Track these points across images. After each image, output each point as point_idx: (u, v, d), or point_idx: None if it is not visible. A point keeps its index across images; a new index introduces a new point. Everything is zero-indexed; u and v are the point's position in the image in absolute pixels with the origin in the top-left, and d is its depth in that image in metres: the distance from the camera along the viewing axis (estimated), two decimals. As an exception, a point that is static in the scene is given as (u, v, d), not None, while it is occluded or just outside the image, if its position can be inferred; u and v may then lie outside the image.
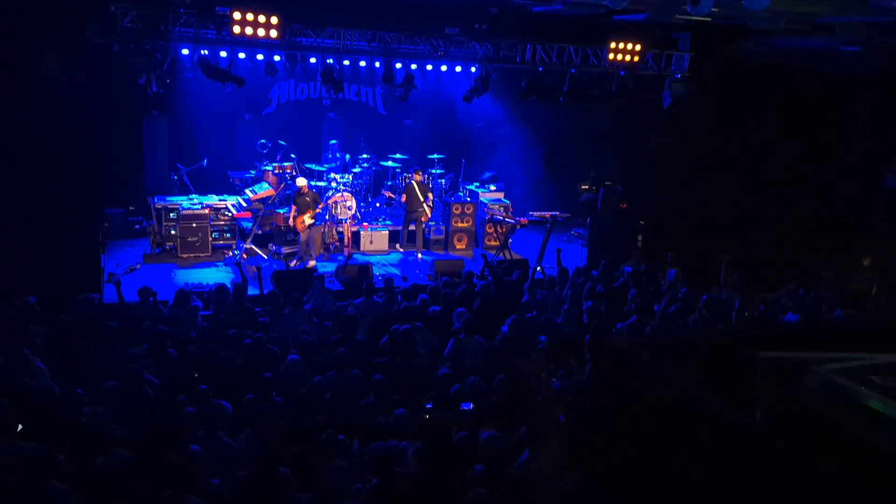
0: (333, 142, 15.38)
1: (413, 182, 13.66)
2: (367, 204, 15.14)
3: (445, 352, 8.07)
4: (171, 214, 12.95)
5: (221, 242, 13.25)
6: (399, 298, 9.33)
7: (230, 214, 13.30)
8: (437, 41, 12.70)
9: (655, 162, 14.27)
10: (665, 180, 13.97)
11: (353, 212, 13.80)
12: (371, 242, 13.97)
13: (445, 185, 15.71)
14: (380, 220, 14.66)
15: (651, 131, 14.54)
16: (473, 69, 13.96)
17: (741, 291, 10.18)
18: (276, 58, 12.33)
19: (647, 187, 14.34)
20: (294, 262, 12.40)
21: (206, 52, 11.53)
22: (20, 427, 5.61)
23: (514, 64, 13.12)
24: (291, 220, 12.62)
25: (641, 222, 14.27)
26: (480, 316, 8.96)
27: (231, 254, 12.92)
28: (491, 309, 9.25)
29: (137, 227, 13.94)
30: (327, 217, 13.57)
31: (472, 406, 6.30)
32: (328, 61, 12.49)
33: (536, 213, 14.24)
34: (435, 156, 15.52)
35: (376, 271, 11.92)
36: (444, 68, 14.37)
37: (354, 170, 15.03)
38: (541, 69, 13.14)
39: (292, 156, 14.61)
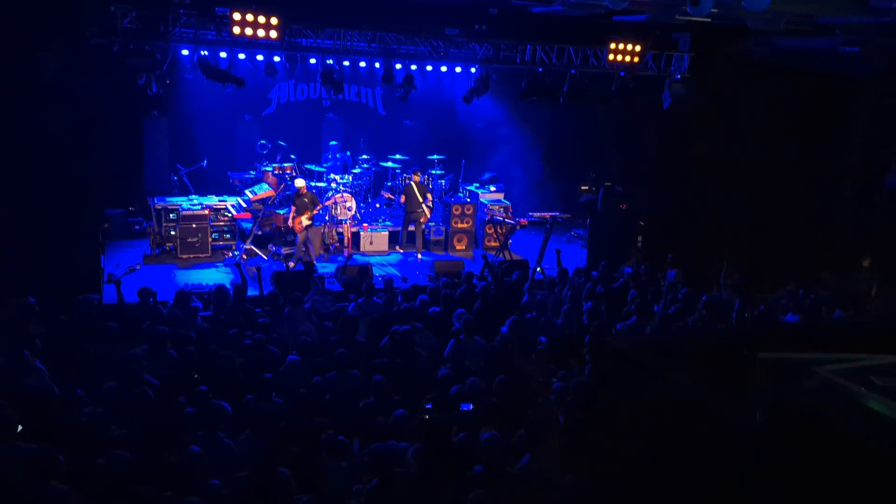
0: (333, 143, 15.39)
1: (412, 183, 13.66)
2: (366, 205, 15.14)
3: (445, 352, 8.07)
4: (171, 215, 12.95)
5: (221, 243, 13.25)
6: (399, 299, 9.34)
7: (230, 215, 13.30)
8: (437, 42, 12.69)
9: (655, 163, 14.27)
10: (665, 181, 13.97)
11: (352, 212, 13.80)
12: (371, 243, 13.97)
13: (445, 185, 15.71)
14: (380, 220, 14.66)
15: (651, 132, 14.53)
16: (473, 70, 13.97)
17: (741, 292, 10.19)
18: (276, 58, 12.33)
19: (647, 188, 14.34)
20: (290, 263, 12.39)
21: (206, 52, 11.53)
22: (20, 428, 5.61)
23: (513, 64, 13.12)
24: (290, 220, 12.63)
25: (641, 223, 14.27)
26: (480, 317, 8.96)
27: (231, 254, 12.92)
28: (491, 310, 9.25)
29: (137, 227, 13.94)
30: (327, 218, 13.57)
31: (471, 407, 6.30)
32: (328, 62, 12.49)
33: (536, 214, 14.24)
34: (435, 156, 15.52)
35: (376, 272, 11.92)
36: (443, 69, 14.37)
37: (354, 170, 15.03)
38: (541, 70, 13.14)
39: (292, 156, 14.61)
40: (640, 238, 14.22)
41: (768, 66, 12.74)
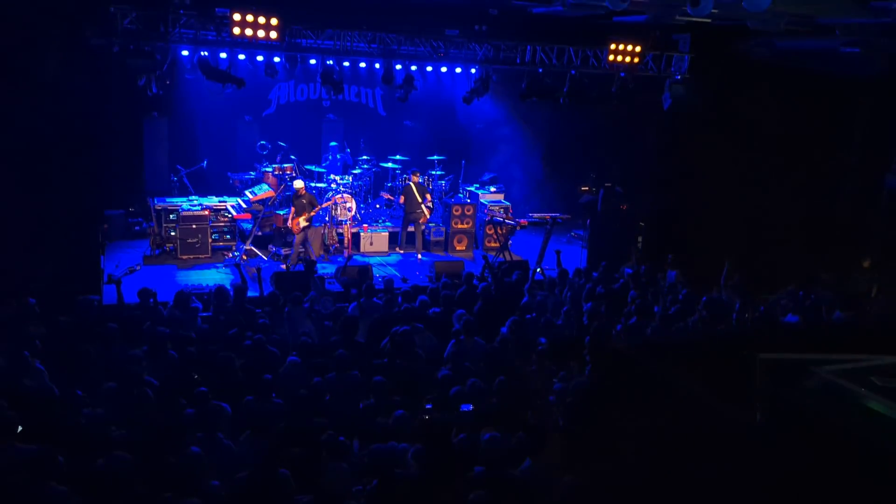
0: (333, 143, 15.39)
1: (411, 183, 13.67)
2: (367, 205, 15.14)
3: (445, 353, 8.06)
4: (171, 216, 12.96)
5: (221, 244, 13.25)
6: (399, 300, 9.33)
7: (230, 216, 13.30)
8: (437, 42, 12.69)
9: (655, 163, 14.27)
10: (665, 181, 13.97)
11: (352, 213, 13.80)
12: (371, 244, 13.97)
13: (445, 186, 15.71)
14: (380, 221, 14.66)
15: (651, 133, 14.54)
16: (473, 70, 13.97)
17: (741, 293, 10.19)
18: (276, 59, 12.33)
19: (647, 189, 14.34)
20: (284, 265, 12.36)
21: (206, 53, 11.52)
22: (20, 428, 5.60)
23: (514, 65, 13.11)
24: (289, 221, 12.64)
25: (641, 223, 14.27)
26: (480, 317, 8.96)
27: (231, 255, 12.92)
28: (491, 311, 9.25)
29: (137, 228, 13.94)
30: (327, 219, 13.57)
31: (471, 408, 6.30)
32: (328, 62, 12.49)
33: (536, 215, 14.23)
34: (435, 157, 15.53)
35: (376, 273, 11.91)
36: (444, 69, 14.37)
37: (354, 171, 15.03)
38: (541, 70, 13.13)
39: (292, 157, 14.62)
40: (640, 239, 14.22)
41: (768, 66, 12.74)
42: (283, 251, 13.02)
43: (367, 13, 12.27)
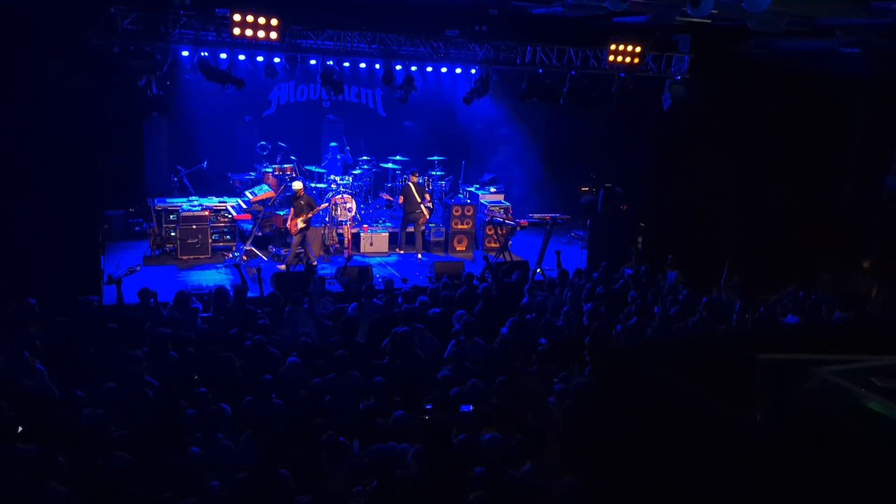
0: (334, 144, 15.40)
1: (410, 183, 13.67)
2: (367, 206, 15.14)
3: (445, 354, 8.06)
4: (171, 216, 12.96)
5: (221, 244, 13.25)
6: (399, 300, 9.33)
7: (230, 216, 13.31)
8: (437, 43, 12.68)
9: (655, 164, 14.27)
10: (665, 182, 13.97)
11: (353, 213, 13.80)
12: (371, 244, 13.97)
13: (445, 186, 15.71)
14: (380, 221, 14.66)
15: (651, 133, 14.53)
16: (473, 71, 13.97)
17: (741, 293, 10.19)
18: (276, 59, 12.33)
19: (647, 189, 14.35)
20: (281, 266, 12.34)
21: (206, 53, 11.53)
22: (20, 429, 5.61)
23: (514, 66, 13.11)
24: (288, 222, 12.64)
25: (641, 224, 14.28)
26: (481, 318, 8.96)
27: (231, 256, 12.92)
28: (491, 311, 9.25)
29: (137, 228, 13.94)
30: (327, 219, 13.57)
31: (471, 408, 6.30)
32: (328, 63, 12.49)
33: (536, 215, 14.24)
34: (435, 157, 15.53)
35: (376, 273, 11.92)
36: (444, 70, 14.38)
37: (354, 171, 15.03)
38: (541, 71, 13.13)
39: (292, 158, 14.62)
40: (640, 239, 14.23)
41: (769, 67, 12.74)
42: (283, 252, 13.03)
43: (368, 14, 12.26)
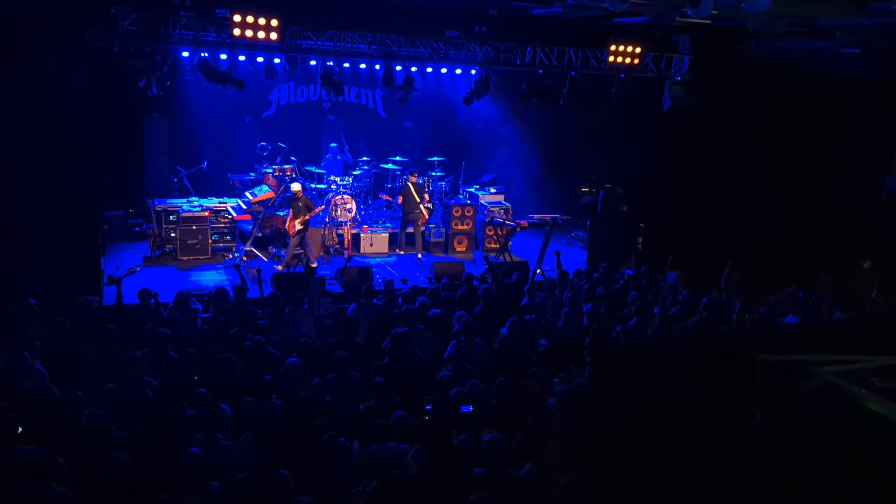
0: (334, 144, 15.40)
1: (409, 184, 13.67)
2: (367, 206, 15.14)
3: (445, 354, 8.06)
4: (171, 217, 12.95)
5: (221, 245, 13.25)
6: (399, 301, 9.33)
7: (230, 217, 13.30)
8: (438, 44, 12.69)
9: (655, 164, 14.28)
10: (665, 183, 13.97)
11: (353, 214, 13.80)
12: (371, 245, 13.97)
13: (445, 187, 15.71)
14: (380, 222, 14.66)
15: (651, 134, 14.54)
16: (473, 72, 13.97)
17: (741, 294, 10.19)
18: (276, 60, 12.33)
19: (647, 190, 14.34)
20: (279, 267, 12.33)
21: (206, 54, 11.53)
22: (20, 429, 5.60)
23: (514, 66, 13.12)
24: (287, 223, 12.65)
25: (641, 225, 14.27)
26: (481, 319, 8.95)
27: (231, 256, 12.92)
28: (491, 312, 9.25)
29: (137, 229, 13.94)
30: (327, 220, 13.57)
31: (471, 409, 6.29)
32: (328, 64, 12.49)
33: (536, 216, 14.23)
34: (435, 158, 15.53)
35: (376, 273, 11.91)
36: (444, 71, 14.37)
37: (355, 172, 15.03)
38: (541, 72, 13.13)
39: (292, 158, 14.62)
40: (640, 240, 14.22)
41: (769, 67, 12.74)
42: (283, 252, 13.02)
43: (368, 14, 12.27)
